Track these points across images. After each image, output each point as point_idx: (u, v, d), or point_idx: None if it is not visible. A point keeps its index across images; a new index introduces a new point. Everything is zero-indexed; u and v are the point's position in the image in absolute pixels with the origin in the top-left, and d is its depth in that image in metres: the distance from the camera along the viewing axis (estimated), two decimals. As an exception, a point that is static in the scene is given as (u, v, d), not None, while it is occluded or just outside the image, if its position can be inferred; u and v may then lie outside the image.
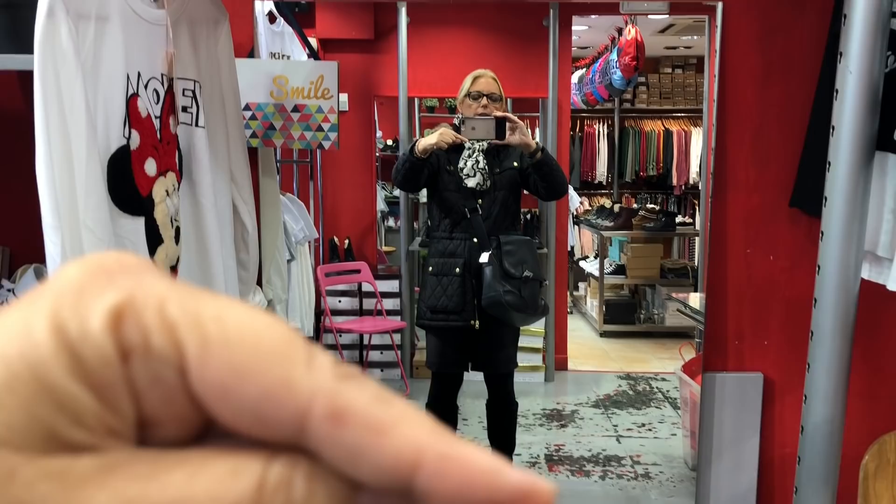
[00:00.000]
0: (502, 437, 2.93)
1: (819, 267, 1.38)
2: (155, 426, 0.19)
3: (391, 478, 0.18)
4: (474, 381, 2.94)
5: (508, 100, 5.51)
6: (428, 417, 0.19)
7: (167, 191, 1.37)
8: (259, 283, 1.79)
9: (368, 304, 4.80)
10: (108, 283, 0.19)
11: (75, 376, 0.18)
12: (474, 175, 2.72)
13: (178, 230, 1.41)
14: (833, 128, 1.34)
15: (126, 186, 1.28)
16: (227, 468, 0.18)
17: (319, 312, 4.43)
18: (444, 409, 2.89)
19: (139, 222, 1.30)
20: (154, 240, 1.33)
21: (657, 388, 4.68)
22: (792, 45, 1.67)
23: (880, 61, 1.31)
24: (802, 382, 1.43)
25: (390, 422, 0.18)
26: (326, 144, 1.69)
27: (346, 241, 4.99)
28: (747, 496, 1.83)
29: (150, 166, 1.33)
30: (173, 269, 1.39)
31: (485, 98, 2.71)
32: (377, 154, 5.62)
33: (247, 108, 1.77)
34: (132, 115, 1.30)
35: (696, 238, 6.41)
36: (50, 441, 0.18)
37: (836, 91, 1.33)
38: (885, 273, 1.46)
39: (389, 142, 6.35)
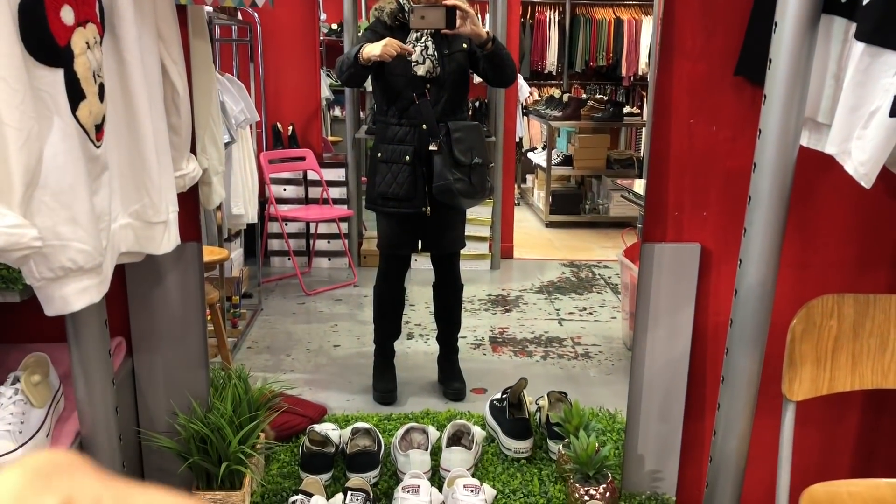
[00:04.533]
0: (448, 317, 2.98)
1: (760, 131, 1.38)
2: None
3: None
4: (422, 270, 2.95)
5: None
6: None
7: (87, 43, 1.29)
8: (193, 151, 1.72)
9: (314, 192, 4.74)
10: (45, 487, 0.20)
11: None
12: (423, 62, 2.64)
13: (101, 87, 1.33)
14: (781, -14, 1.31)
15: (41, 34, 1.19)
16: None
17: (264, 200, 4.36)
18: (393, 289, 2.91)
19: (58, 74, 1.22)
20: (76, 94, 1.25)
21: (599, 274, 4.78)
22: None
23: (832, -84, 1.27)
24: (738, 251, 1.46)
25: None
26: (260, 2, 1.60)
27: (290, 128, 4.87)
28: (681, 361, 1.89)
29: (67, 14, 1.24)
30: (99, 127, 1.32)
31: (430, -22, 2.60)
32: (321, 38, 5.42)
33: (173, -40, 1.65)
34: (44, -43, 1.19)
35: (643, 129, 6.43)
36: None
37: (787, -52, 1.30)
38: (824, 140, 1.46)
39: (334, 26, 6.12)
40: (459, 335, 3.03)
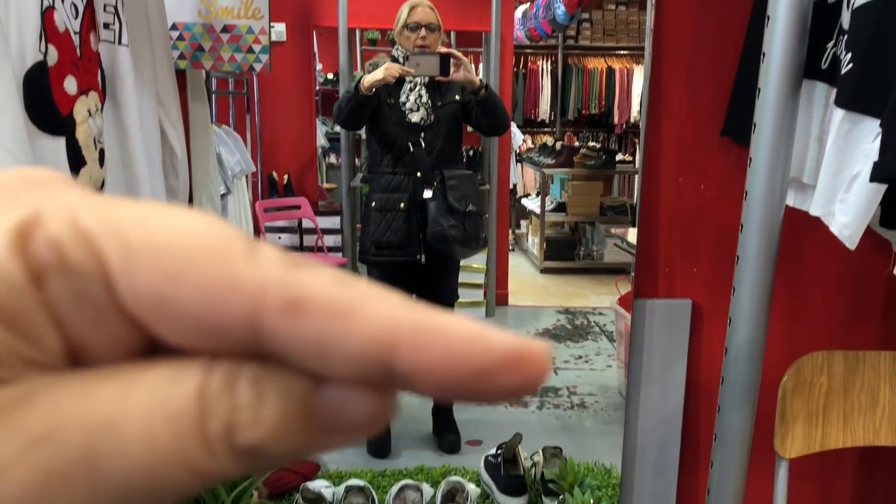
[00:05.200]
0: (442, 369, 2.97)
1: (746, 192, 1.41)
2: (89, 352, 0.17)
3: (365, 364, 0.16)
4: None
5: (452, 33, 5.44)
6: (395, 293, 0.17)
7: (89, 110, 1.32)
8: (191, 210, 1.74)
9: (309, 240, 4.77)
10: (10, 201, 0.17)
11: None
12: (418, 109, 2.69)
13: (102, 152, 1.36)
14: (763, 54, 1.35)
15: (44, 104, 1.23)
16: (163, 378, 0.17)
17: (259, 248, 4.37)
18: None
19: (60, 142, 1.25)
20: (77, 161, 1.28)
21: (594, 321, 4.79)
22: (726, -29, 1.68)
23: (810, -12, 1.32)
24: (728, 308, 1.48)
25: (356, 303, 0.16)
26: (258, 67, 1.64)
27: (286, 177, 4.91)
28: (674, 418, 1.90)
29: (70, 84, 1.28)
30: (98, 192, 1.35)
31: (423, 28, 2.66)
32: (317, 88, 5.50)
33: (174, 27, 1.70)
34: (48, 29, 1.24)
35: (636, 176, 6.49)
36: None
37: (768, 18, 1.34)
38: (809, 200, 1.49)
39: (330, 76, 6.21)
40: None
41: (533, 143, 7.55)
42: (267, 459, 0.17)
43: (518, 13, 6.51)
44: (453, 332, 0.16)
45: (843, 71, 1.30)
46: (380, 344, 0.16)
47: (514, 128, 6.31)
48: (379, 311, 0.16)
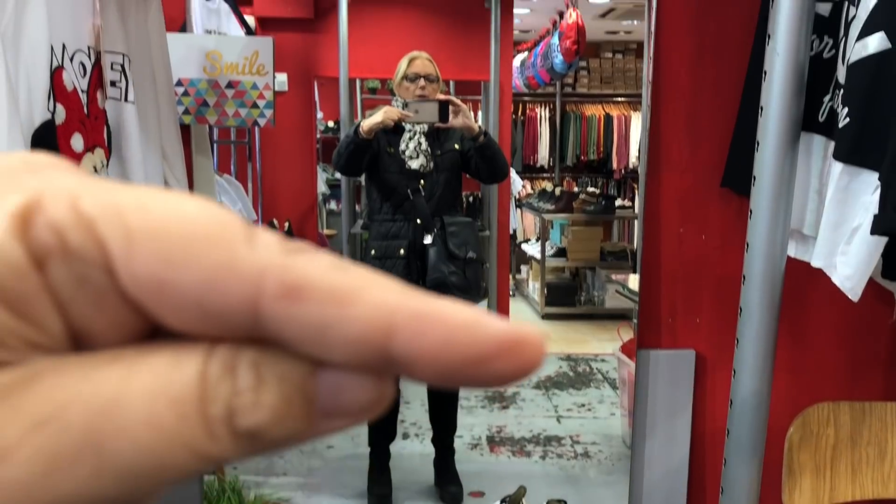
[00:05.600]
0: (443, 419, 2.95)
1: (748, 245, 1.42)
2: (91, 336, 0.17)
3: (363, 349, 0.17)
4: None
5: (451, 82, 5.52)
6: (393, 279, 0.18)
7: (95, 167, 1.33)
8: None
9: (310, 287, 4.76)
10: (11, 185, 0.17)
11: None
12: (417, 157, 2.71)
13: (106, 208, 1.37)
14: (762, 108, 1.37)
15: (51, 162, 1.24)
16: (165, 361, 0.17)
17: (260, 296, 4.37)
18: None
19: (65, 199, 1.26)
20: (81, 218, 1.29)
21: (597, 368, 4.77)
22: (724, 27, 1.71)
23: (806, 44, 1.34)
24: (732, 357, 1.47)
25: (354, 288, 0.17)
26: (262, 122, 1.66)
27: (287, 224, 4.93)
28: (680, 470, 1.88)
29: (77, 142, 1.29)
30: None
31: (422, 80, 2.70)
32: (318, 136, 5.56)
33: (179, 83, 1.72)
34: (57, 89, 1.25)
35: (636, 221, 6.52)
36: None
37: (765, 73, 1.36)
38: (811, 251, 1.50)
39: (331, 123, 6.28)
40: (456, 434, 3.00)
41: (532, 188, 7.61)
42: (267, 443, 0.17)
43: (516, 62, 6.61)
44: (450, 317, 0.17)
45: (841, 125, 1.32)
46: (377, 329, 0.17)
47: (513, 174, 6.36)
48: (377, 297, 0.17)
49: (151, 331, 0.18)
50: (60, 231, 0.16)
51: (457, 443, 3.02)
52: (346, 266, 0.17)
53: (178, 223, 0.17)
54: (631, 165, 7.39)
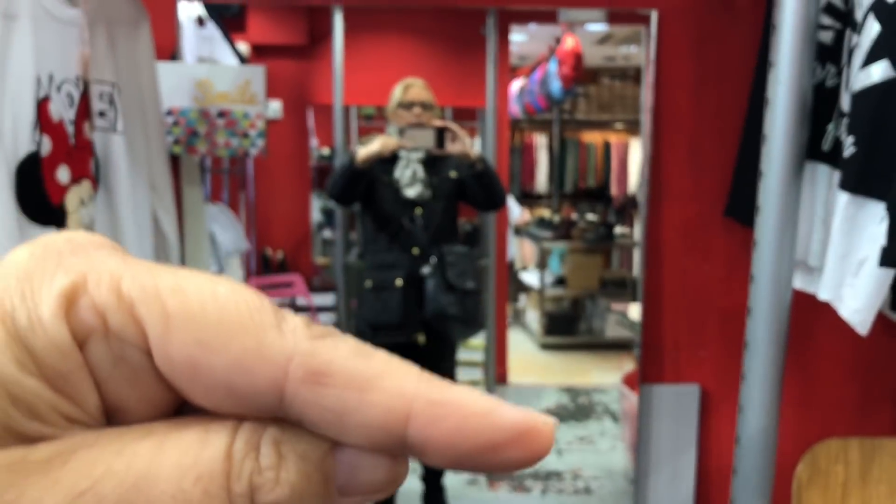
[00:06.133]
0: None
1: (752, 277, 1.38)
2: (124, 411, 0.18)
3: (382, 433, 0.18)
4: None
5: (447, 109, 5.52)
6: (413, 365, 0.18)
7: (82, 199, 1.30)
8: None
9: (305, 317, 4.72)
10: (57, 265, 0.18)
11: (27, 369, 0.17)
12: (413, 185, 2.68)
13: (93, 241, 1.33)
14: (765, 137, 1.34)
15: (36, 195, 1.20)
16: (193, 438, 0.18)
17: (255, 326, 4.33)
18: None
19: (50, 232, 1.22)
20: (66, 251, 1.25)
21: (598, 400, 4.70)
22: (725, 54, 1.68)
23: (809, 72, 1.32)
24: (738, 391, 1.43)
25: (374, 375, 0.18)
26: (253, 152, 1.63)
27: (280, 254, 4.89)
28: (685, 507, 1.82)
29: (63, 173, 1.26)
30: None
31: (417, 107, 2.67)
32: (312, 163, 5.54)
33: (169, 113, 1.69)
34: (43, 120, 1.22)
35: (635, 249, 6.49)
36: (4, 435, 0.17)
37: (768, 101, 1.34)
38: (817, 282, 1.46)
39: (325, 151, 6.27)
40: (453, 470, 2.94)
41: (531, 216, 7.59)
42: None
43: (514, 88, 6.62)
44: (465, 406, 0.18)
45: (847, 154, 1.29)
46: (394, 415, 0.18)
47: (511, 201, 6.34)
48: (395, 384, 0.18)
49: (180, 404, 0.19)
50: (102, 312, 0.17)
51: (455, 479, 2.95)
52: (369, 352, 0.18)
53: (212, 307, 0.18)
54: (630, 192, 7.38)
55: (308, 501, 0.18)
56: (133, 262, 0.19)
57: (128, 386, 0.18)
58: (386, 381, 0.18)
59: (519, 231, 7.12)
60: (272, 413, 0.18)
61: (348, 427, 0.18)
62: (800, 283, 1.51)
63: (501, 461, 0.18)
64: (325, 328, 0.19)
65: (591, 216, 6.95)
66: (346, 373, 0.18)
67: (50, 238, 0.19)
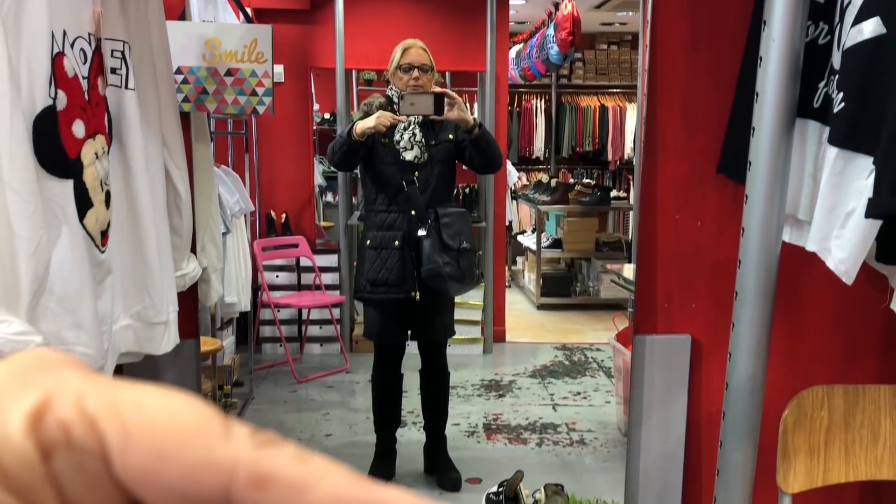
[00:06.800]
0: (435, 406, 2.97)
1: (743, 230, 1.43)
2: None
3: None
4: (412, 355, 2.98)
5: (447, 74, 5.52)
6: (347, 469, 0.20)
7: (96, 153, 1.34)
8: (193, 250, 1.76)
9: (307, 278, 4.77)
10: (25, 384, 0.20)
11: None
12: (412, 148, 2.72)
13: (108, 194, 1.38)
14: (757, 94, 1.39)
15: (53, 148, 1.24)
16: None
17: (257, 287, 4.39)
18: (389, 377, 2.91)
19: (68, 185, 1.27)
20: (83, 203, 1.30)
21: (592, 357, 4.79)
22: (720, 13, 1.72)
23: (801, 30, 1.36)
24: (728, 342, 1.49)
25: (312, 478, 0.19)
26: (261, 109, 1.67)
27: (284, 216, 4.94)
28: (675, 453, 1.90)
29: (79, 128, 1.30)
30: (104, 233, 1.36)
31: (416, 70, 2.71)
32: (314, 127, 5.56)
33: (178, 71, 1.73)
34: (58, 75, 1.26)
35: (631, 212, 6.54)
36: None
37: (761, 59, 1.38)
38: (805, 236, 1.52)
39: (327, 115, 6.28)
40: (453, 422, 3.02)
41: (528, 180, 7.61)
42: None
43: (512, 53, 6.61)
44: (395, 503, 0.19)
45: (836, 110, 1.33)
46: None
47: (509, 166, 6.36)
48: (331, 486, 0.19)
49: None
50: (66, 427, 0.19)
51: (453, 430, 3.04)
52: (308, 457, 0.20)
53: (168, 420, 0.19)
54: (626, 156, 7.41)
55: None
56: (96, 380, 0.21)
57: (88, 492, 0.19)
58: (323, 483, 0.19)
59: (516, 195, 7.16)
60: None
61: None
62: (788, 236, 1.56)
63: None
64: (269, 436, 0.20)
65: (587, 180, 6.98)
66: (286, 477, 0.19)
67: (21, 356, 0.21)
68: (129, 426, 0.19)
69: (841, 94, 1.33)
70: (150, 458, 0.19)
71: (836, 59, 1.39)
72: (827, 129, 1.42)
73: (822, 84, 1.47)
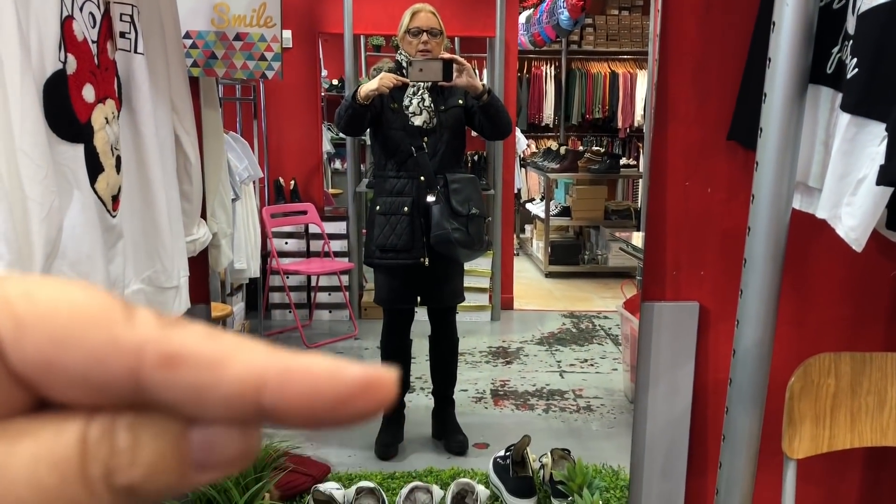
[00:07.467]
0: (444, 371, 2.99)
1: (753, 196, 1.43)
2: None
3: (238, 404, 0.19)
4: (423, 322, 2.99)
5: (456, 39, 5.47)
6: (262, 343, 0.20)
7: (107, 118, 1.34)
8: (203, 216, 1.77)
9: (315, 245, 4.79)
10: None
11: None
12: (420, 113, 2.71)
13: (118, 159, 1.38)
14: (769, 60, 1.37)
15: (64, 112, 1.25)
16: (48, 429, 0.19)
17: (266, 254, 4.40)
18: (398, 344, 2.94)
19: (79, 149, 1.27)
20: (94, 168, 1.30)
21: (599, 325, 4.81)
22: (733, -22, 1.70)
23: (816, -6, 1.34)
24: (735, 310, 1.49)
25: (226, 354, 0.19)
26: (270, 74, 1.66)
27: (292, 183, 4.94)
28: (682, 419, 1.91)
29: (89, 92, 1.30)
30: (115, 198, 1.37)
31: (425, 34, 2.69)
32: (322, 94, 5.53)
33: (187, 36, 1.72)
34: (67, 39, 1.26)
35: (640, 180, 6.51)
36: None
37: (774, 23, 1.36)
38: (815, 203, 1.51)
39: (335, 81, 6.24)
40: (461, 388, 3.05)
41: (537, 147, 7.57)
42: (145, 496, 0.19)
43: (522, 18, 6.54)
44: (312, 369, 0.19)
45: (849, 76, 1.32)
46: (249, 387, 0.19)
47: (518, 133, 6.33)
48: (247, 359, 0.19)
49: (39, 404, 0.19)
50: None
51: (461, 396, 3.07)
52: (219, 335, 0.19)
53: (63, 307, 0.19)
54: (636, 124, 7.35)
55: (164, 479, 0.19)
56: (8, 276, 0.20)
57: None
58: (238, 357, 0.19)
59: (525, 162, 7.13)
60: (129, 401, 0.19)
61: (207, 402, 0.19)
62: (798, 203, 1.56)
63: (351, 414, 0.19)
64: (175, 319, 0.19)
65: (596, 148, 6.94)
66: (198, 354, 0.19)
67: None
68: (21, 316, 0.18)
69: (855, 60, 1.32)
70: (47, 346, 0.18)
71: (851, 25, 1.38)
72: (840, 96, 1.40)
73: (835, 49, 1.45)
